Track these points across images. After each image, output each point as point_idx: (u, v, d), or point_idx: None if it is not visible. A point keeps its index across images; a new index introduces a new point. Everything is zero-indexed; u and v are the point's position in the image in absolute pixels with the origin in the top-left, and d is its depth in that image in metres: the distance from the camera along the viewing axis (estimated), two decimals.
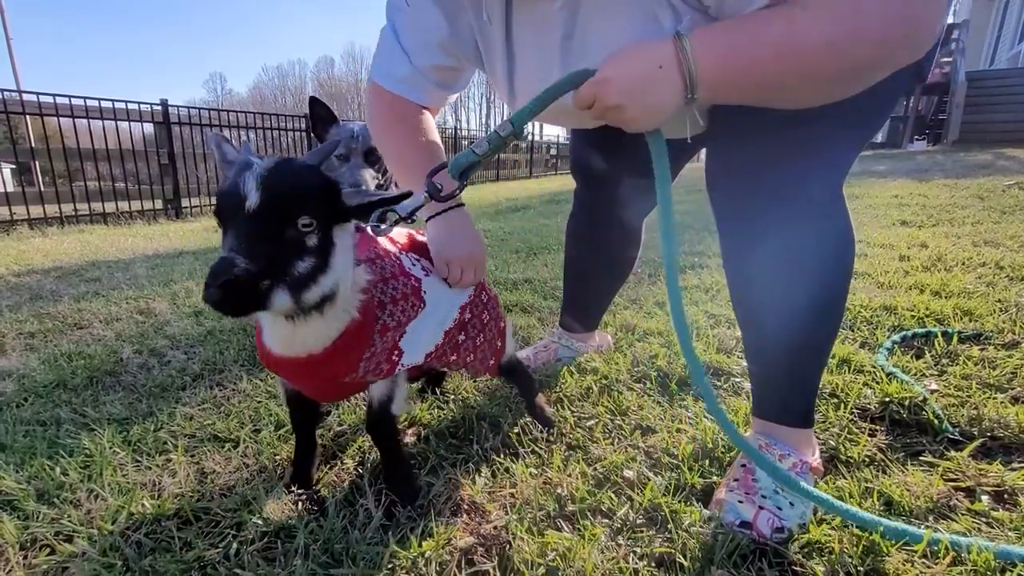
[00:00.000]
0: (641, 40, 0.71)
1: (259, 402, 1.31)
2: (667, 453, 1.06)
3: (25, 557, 0.82)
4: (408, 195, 0.75)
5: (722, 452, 1.04)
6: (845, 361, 1.40)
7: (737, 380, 1.35)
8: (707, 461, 1.02)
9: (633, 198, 1.34)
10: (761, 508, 0.87)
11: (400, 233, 1.03)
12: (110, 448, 1.09)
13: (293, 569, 0.77)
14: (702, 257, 2.68)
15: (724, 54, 0.66)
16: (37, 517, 0.90)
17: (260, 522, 0.88)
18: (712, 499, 0.93)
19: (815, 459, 0.97)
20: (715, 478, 0.98)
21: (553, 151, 17.10)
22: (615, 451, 1.08)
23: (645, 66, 0.68)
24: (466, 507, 0.94)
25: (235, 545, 0.83)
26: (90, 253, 3.59)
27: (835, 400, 1.22)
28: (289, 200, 0.63)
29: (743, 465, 0.96)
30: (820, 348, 0.96)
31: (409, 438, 1.15)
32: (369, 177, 1.66)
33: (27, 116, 5.32)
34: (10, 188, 7.10)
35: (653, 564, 0.80)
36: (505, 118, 0.87)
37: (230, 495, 0.96)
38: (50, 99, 5.24)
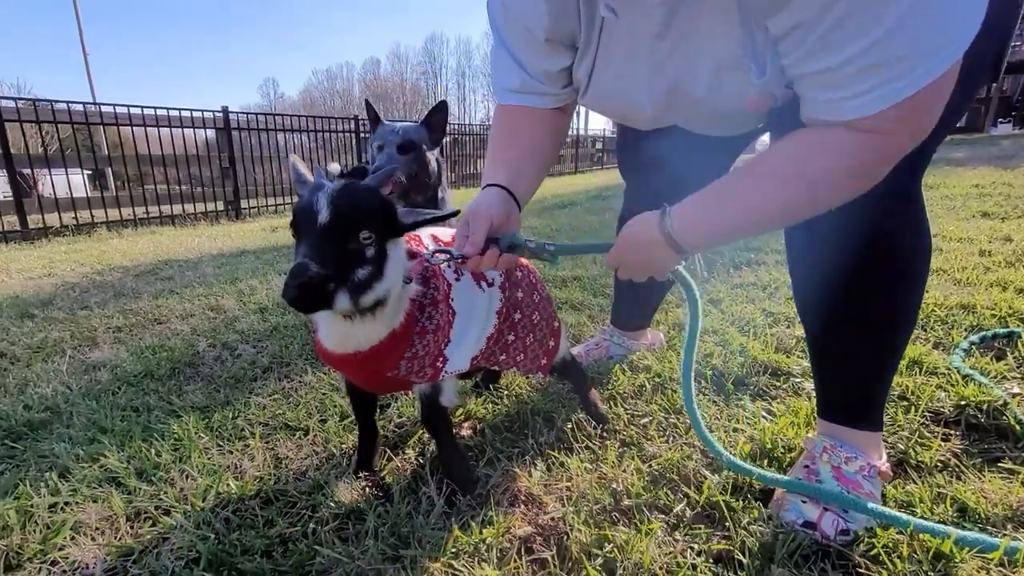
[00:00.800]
0: (635, 223, 0.86)
1: (324, 394, 1.39)
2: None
3: (132, 527, 0.91)
4: (456, 214, 0.80)
5: (781, 452, 1.03)
6: (916, 362, 1.34)
7: (797, 380, 1.32)
8: (766, 461, 1.01)
9: (684, 197, 1.33)
10: (826, 509, 0.86)
11: (445, 233, 1.03)
12: (195, 433, 1.19)
13: (366, 548, 0.83)
14: (759, 253, 2.60)
15: (699, 226, 0.81)
16: (138, 492, 0.99)
17: (332, 504, 0.94)
18: (772, 499, 0.92)
19: (883, 463, 0.94)
20: None
21: (599, 145, 16.75)
22: (670, 449, 1.08)
23: (642, 250, 0.86)
24: (523, 498, 0.97)
25: (312, 525, 0.90)
26: (162, 253, 3.86)
27: (905, 403, 1.18)
28: (353, 217, 0.72)
29: (806, 466, 0.95)
30: (892, 348, 0.92)
31: (465, 431, 1.20)
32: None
33: (103, 126, 5.76)
34: (87, 193, 7.72)
35: (711, 560, 0.81)
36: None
37: (303, 479, 1.04)
38: (124, 110, 5.65)
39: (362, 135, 8.10)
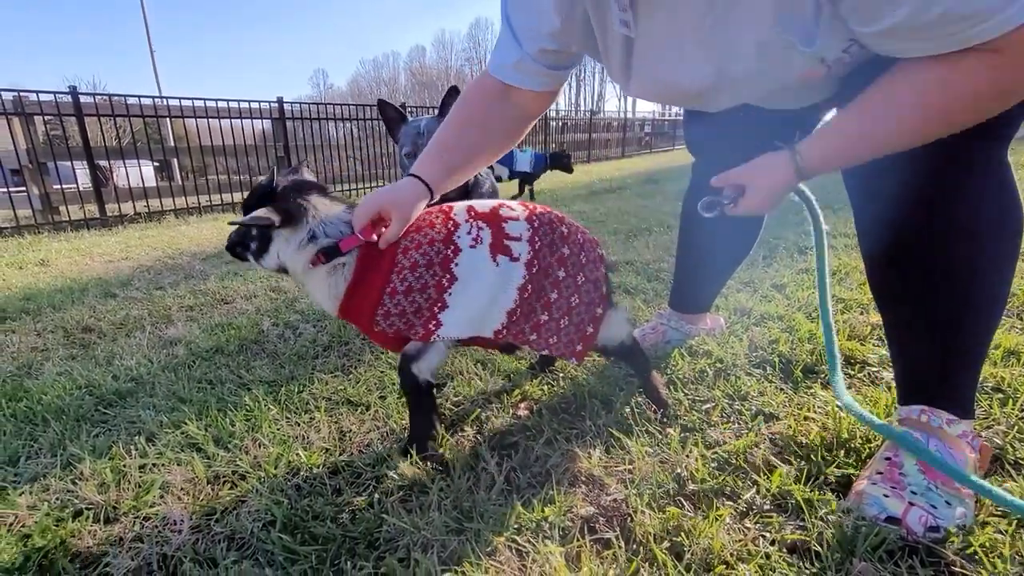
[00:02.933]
0: (760, 165, 0.89)
1: (382, 372, 1.42)
2: (794, 441, 1.00)
3: (213, 489, 0.97)
4: (267, 222, 0.92)
5: (860, 443, 0.97)
6: (1012, 353, 1.23)
7: (874, 369, 1.24)
8: (842, 452, 0.96)
9: None
10: (912, 504, 0.80)
11: (485, 204, 1.02)
12: (265, 405, 1.25)
13: (431, 519, 0.84)
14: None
15: (829, 163, 0.83)
16: (217, 458, 1.05)
17: (396, 477, 0.97)
18: (851, 491, 0.87)
19: (974, 456, 0.87)
20: (851, 470, 0.92)
21: (647, 128, 16.21)
22: (736, 436, 1.04)
23: (773, 189, 0.89)
24: (583, 479, 0.96)
25: (377, 495, 0.92)
26: (225, 238, 4.05)
27: (1000, 395, 1.08)
28: (245, 206, 0.98)
29: (887, 458, 0.89)
30: (979, 334, 0.85)
31: (522, 411, 1.20)
32: None
33: (170, 119, 6.09)
34: (157, 183, 8.23)
35: (785, 550, 0.77)
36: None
37: (367, 452, 1.07)
38: (188, 103, 5.95)
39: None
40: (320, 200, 0.99)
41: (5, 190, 5.41)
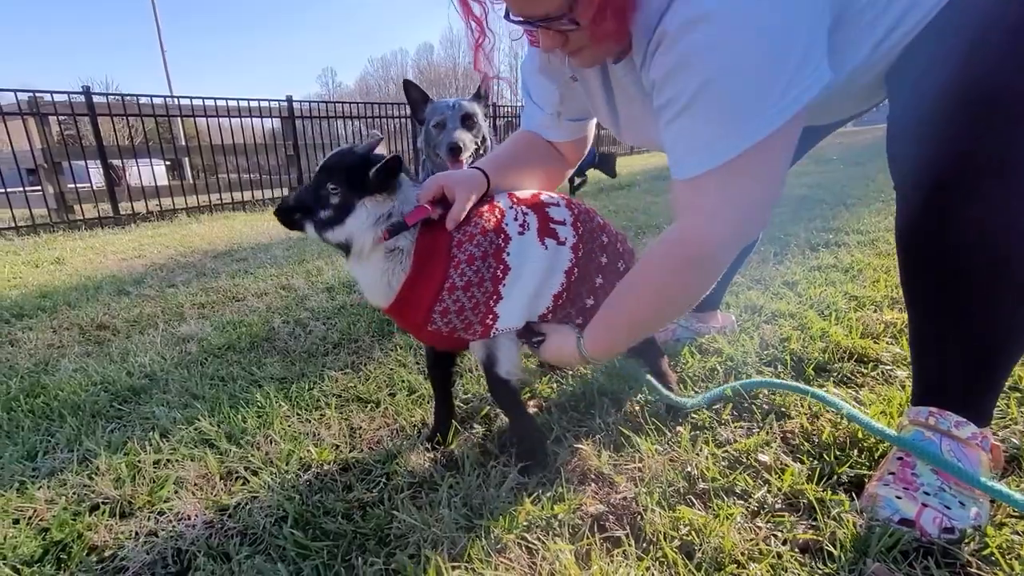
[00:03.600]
0: (557, 338, 0.98)
1: (391, 369, 1.43)
2: (806, 440, 1.00)
3: (225, 484, 0.98)
4: (396, 161, 0.87)
5: (873, 443, 0.96)
6: None
7: (887, 368, 1.22)
8: (855, 451, 0.95)
9: None
10: (925, 506, 0.79)
11: (525, 193, 1.02)
12: (276, 402, 1.26)
13: (441, 516, 0.85)
14: (838, 234, 2.43)
15: (604, 347, 0.94)
16: (229, 454, 1.06)
17: (406, 473, 0.97)
18: (864, 492, 0.86)
19: (987, 457, 0.85)
20: (864, 470, 0.91)
21: None
22: (747, 434, 1.04)
23: (561, 356, 0.98)
24: (593, 477, 0.96)
25: (388, 491, 0.93)
26: (236, 236, 4.09)
27: (1018, 394, 1.07)
28: (325, 172, 0.90)
29: (900, 458, 0.88)
30: (1014, 352, 0.83)
31: (532, 409, 1.20)
32: (468, 139, 1.71)
33: (181, 118, 6.16)
34: (169, 182, 8.32)
35: (797, 550, 0.77)
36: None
37: (377, 448, 1.07)
38: (199, 102, 6.00)
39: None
40: (403, 177, 0.94)
41: (21, 189, 5.51)
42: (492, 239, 0.91)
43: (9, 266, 3.31)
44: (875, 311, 1.54)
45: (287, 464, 1.02)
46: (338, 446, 1.09)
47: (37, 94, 5.01)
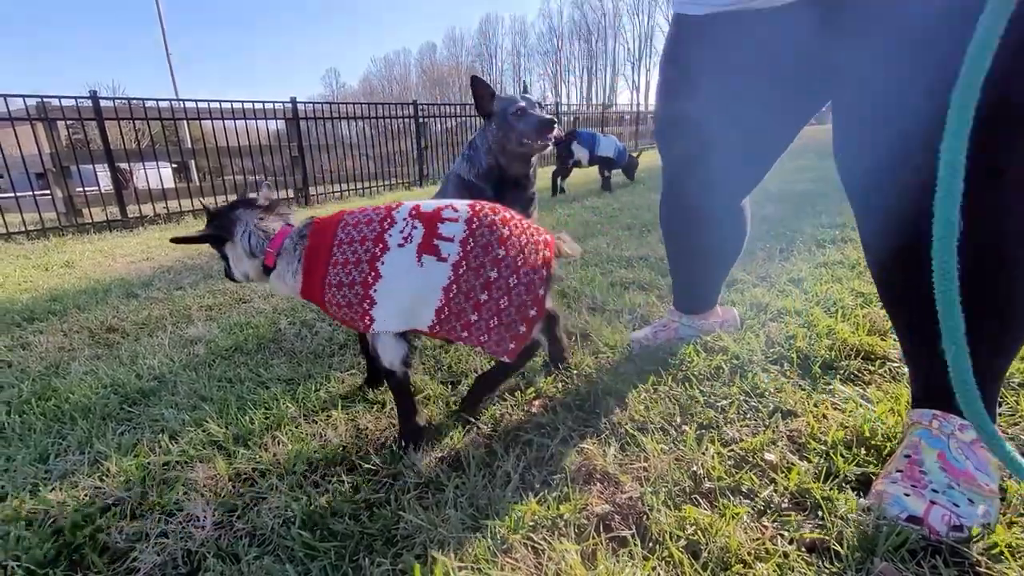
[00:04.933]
0: None
1: None
2: (813, 438, 0.99)
3: (234, 486, 0.99)
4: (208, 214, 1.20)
5: (881, 441, 0.95)
6: None
7: (895, 365, 1.22)
8: (862, 449, 0.95)
9: (726, 180, 1.25)
10: (933, 503, 0.79)
11: (428, 204, 1.08)
12: (283, 404, 1.27)
13: (447, 517, 0.85)
14: (844, 230, 2.42)
15: None
16: (237, 456, 1.07)
17: (412, 474, 0.98)
18: (871, 490, 0.86)
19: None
20: (872, 468, 0.91)
21: None
22: (753, 433, 1.03)
23: None
24: (598, 477, 0.96)
25: (394, 492, 0.93)
26: None
27: None
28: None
29: (907, 456, 0.87)
30: (1009, 350, 0.82)
31: (536, 408, 1.20)
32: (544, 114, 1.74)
33: (187, 121, 6.19)
34: (175, 184, 8.39)
35: (804, 549, 0.77)
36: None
37: (383, 449, 1.08)
38: (204, 104, 6.04)
39: (420, 119, 8.24)
40: (247, 212, 1.14)
41: (31, 193, 5.57)
42: (369, 247, 1.02)
43: (20, 270, 3.35)
44: (882, 307, 1.53)
45: (294, 465, 1.03)
46: (344, 447, 1.09)
47: (45, 99, 5.06)
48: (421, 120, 8.28)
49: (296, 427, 1.17)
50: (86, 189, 5.90)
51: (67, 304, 2.32)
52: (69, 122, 5.34)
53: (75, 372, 1.55)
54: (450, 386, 1.33)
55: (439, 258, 1.01)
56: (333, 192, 7.30)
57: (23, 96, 4.84)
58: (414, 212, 1.05)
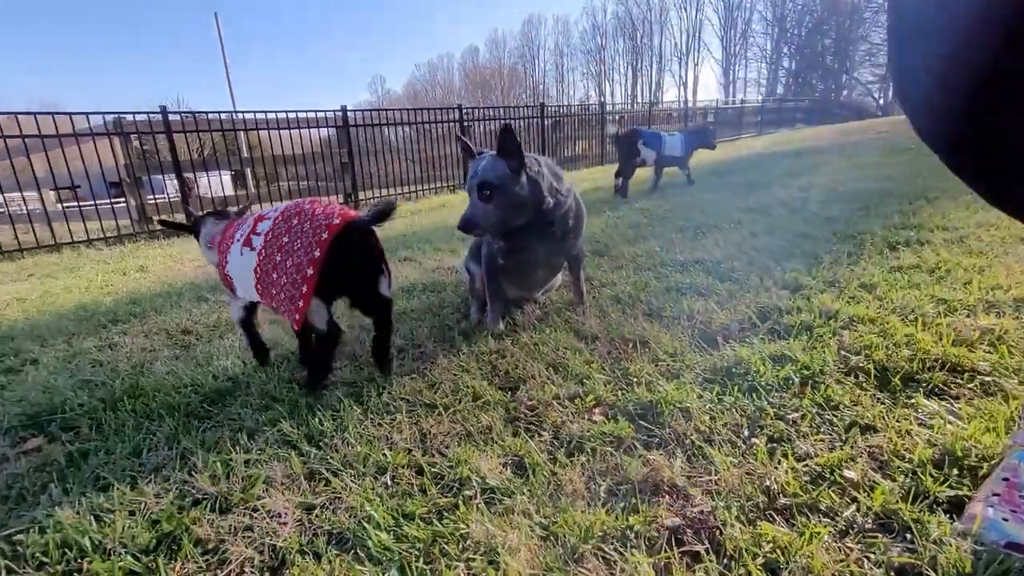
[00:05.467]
0: None
1: (455, 375, 1.46)
2: (897, 456, 0.94)
3: (310, 484, 1.04)
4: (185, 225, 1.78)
5: (975, 461, 0.90)
6: None
7: (986, 378, 1.14)
8: (953, 469, 0.89)
9: None
10: None
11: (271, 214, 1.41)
12: (349, 406, 1.32)
13: (516, 524, 0.86)
14: (920, 231, 2.27)
15: None
16: (310, 456, 1.12)
17: (478, 479, 0.99)
18: (964, 513, 0.81)
19: None
20: (964, 491, 0.85)
21: (711, 118, 15.12)
22: (829, 448, 0.99)
23: None
24: (666, 488, 0.95)
25: (462, 497, 0.95)
26: None
27: None
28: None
29: (1005, 479, 0.82)
30: None
31: (597, 416, 1.19)
32: (479, 215, 1.61)
33: (246, 132, 6.52)
34: (232, 191, 8.85)
35: (893, 573, 0.73)
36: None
37: (447, 453, 1.10)
38: (261, 115, 6.35)
39: (464, 123, 8.35)
40: (210, 218, 1.69)
41: (108, 202, 6.01)
42: (228, 240, 1.47)
43: (101, 274, 3.62)
44: (968, 316, 1.43)
45: (364, 466, 1.07)
46: (410, 450, 1.12)
47: (121, 115, 5.46)
48: (466, 123, 8.39)
49: (363, 429, 1.22)
50: (156, 197, 6.31)
51: (145, 307, 2.50)
52: (142, 136, 5.73)
53: (158, 371, 1.67)
54: (508, 392, 1.35)
55: (251, 248, 1.35)
56: (382, 196, 7.50)
57: (102, 113, 5.25)
58: (255, 217, 1.42)
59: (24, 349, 2.04)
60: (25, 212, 5.68)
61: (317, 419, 1.26)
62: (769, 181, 4.68)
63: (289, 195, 6.68)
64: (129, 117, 5.57)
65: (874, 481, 0.89)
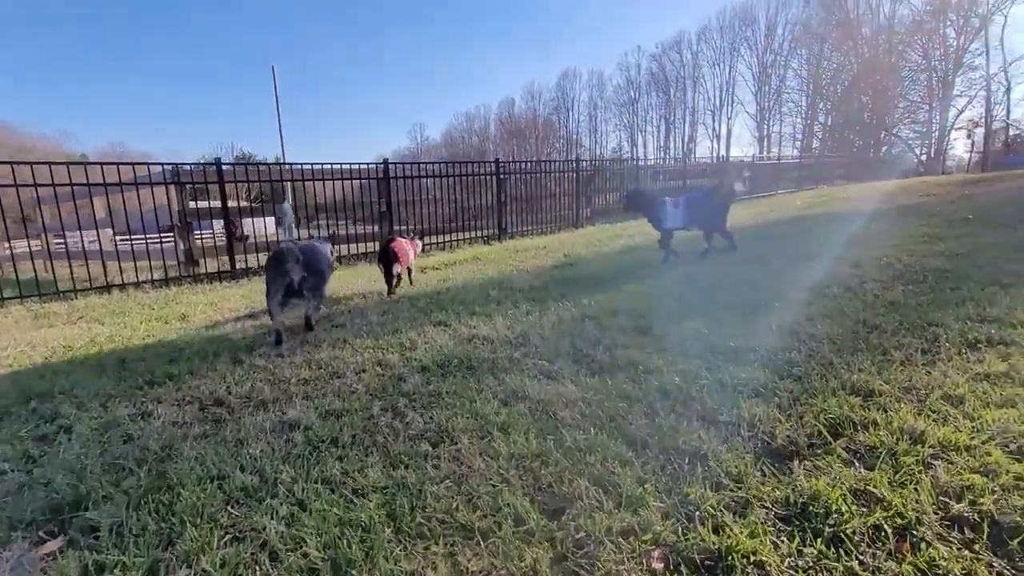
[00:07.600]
0: None
1: (494, 486, 1.35)
2: None
3: None
4: None
5: None
6: None
7: None
8: None
9: None
10: None
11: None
12: (379, 523, 1.21)
13: None
14: (1002, 328, 2.04)
15: None
16: None
17: None
18: None
19: None
20: None
21: (746, 172, 14.91)
22: None
23: None
24: None
25: None
26: (334, 293, 4.31)
27: None
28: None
29: None
30: None
31: (656, 564, 1.05)
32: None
33: (292, 183, 6.79)
34: (276, 236, 9.18)
35: None
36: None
37: None
38: (308, 167, 6.61)
39: (501, 175, 8.50)
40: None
41: (158, 241, 6.29)
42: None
43: (144, 321, 3.70)
44: None
45: None
46: None
47: (179, 166, 5.76)
48: (501, 176, 8.54)
49: (395, 563, 1.10)
50: (202, 236, 6.55)
51: (182, 368, 2.49)
52: (196, 184, 6.02)
53: (187, 455, 1.61)
54: (553, 517, 1.22)
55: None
56: (424, 244, 7.59)
57: (161, 164, 5.55)
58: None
59: (62, 414, 2.04)
60: (82, 250, 5.99)
61: (346, 541, 1.16)
62: (818, 252, 4.46)
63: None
64: (185, 167, 5.88)
65: None
